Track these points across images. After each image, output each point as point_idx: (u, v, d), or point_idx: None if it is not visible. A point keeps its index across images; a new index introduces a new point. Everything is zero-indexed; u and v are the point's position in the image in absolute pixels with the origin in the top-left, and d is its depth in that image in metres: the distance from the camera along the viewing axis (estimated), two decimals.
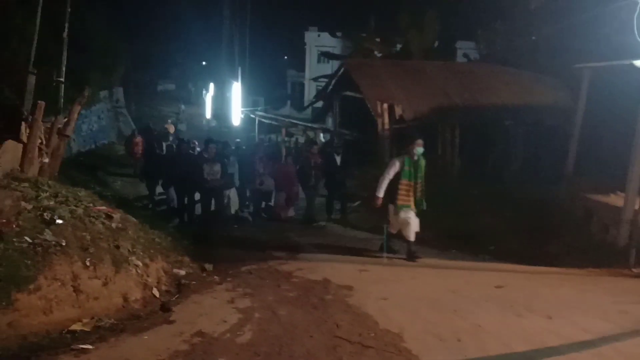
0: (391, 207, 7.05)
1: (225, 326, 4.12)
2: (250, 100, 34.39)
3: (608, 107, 9.54)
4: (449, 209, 9.82)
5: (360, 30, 26.00)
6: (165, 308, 4.61)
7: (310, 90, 39.58)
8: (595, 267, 6.35)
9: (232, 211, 11.00)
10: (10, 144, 6.41)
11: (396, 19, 21.63)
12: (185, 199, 10.22)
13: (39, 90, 7.59)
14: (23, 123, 6.86)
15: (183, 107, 38.86)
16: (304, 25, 42.77)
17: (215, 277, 5.93)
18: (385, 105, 12.28)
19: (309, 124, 21.45)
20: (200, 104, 40.03)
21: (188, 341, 3.82)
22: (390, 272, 6.22)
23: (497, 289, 5.23)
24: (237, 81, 26.93)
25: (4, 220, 4.32)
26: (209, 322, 4.23)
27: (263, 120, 22.94)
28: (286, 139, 21.73)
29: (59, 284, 4.07)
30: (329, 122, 19.13)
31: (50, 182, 6.01)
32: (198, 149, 12.94)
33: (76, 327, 3.95)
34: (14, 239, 4.13)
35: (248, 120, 25.41)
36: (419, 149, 6.94)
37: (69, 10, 9.29)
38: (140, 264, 5.03)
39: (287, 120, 24.07)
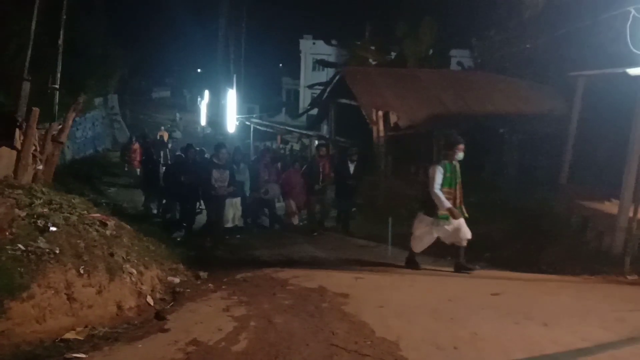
0: (422, 220, 6.52)
1: (221, 334, 4.08)
2: (245, 108, 34.42)
3: (602, 115, 9.62)
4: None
5: (355, 38, 26.11)
6: (160, 316, 4.57)
7: (305, 98, 39.66)
8: (591, 274, 6.35)
9: (237, 220, 10.50)
10: (4, 150, 6.38)
11: (391, 27, 21.75)
12: (188, 208, 9.95)
13: (33, 97, 7.56)
14: (17, 130, 6.83)
15: (179, 115, 38.87)
16: (299, 33, 43.02)
17: (210, 284, 5.90)
18: (381, 113, 12.31)
19: (305, 131, 21.47)
20: (196, 111, 40.04)
21: (183, 350, 3.78)
22: (387, 279, 6.20)
23: (494, 296, 5.22)
24: (233, 88, 26.96)
25: None
26: (204, 330, 4.19)
27: (258, 127, 22.94)
28: (281, 146, 21.74)
29: (53, 292, 4.03)
30: (324, 130, 19.15)
31: (44, 189, 5.97)
32: (207, 155, 12.46)
33: (70, 335, 3.90)
34: (8, 247, 4.09)
35: (243, 128, 25.41)
36: (461, 154, 6.42)
37: (65, 17, 9.30)
38: (134, 271, 4.99)
39: (282, 127, 24.10)
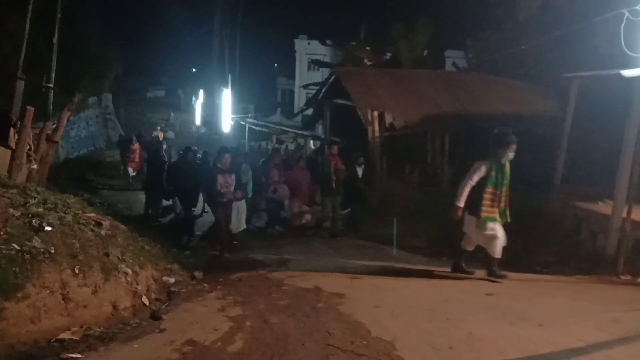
0: (470, 220, 6.03)
1: (217, 335, 4.08)
2: (240, 108, 34.39)
3: (596, 116, 9.66)
4: (439, 217, 9.86)
5: (350, 39, 26.15)
6: (156, 316, 4.57)
7: (300, 98, 39.71)
8: (585, 274, 6.38)
9: (243, 223, 9.62)
10: None
11: (386, 28, 21.80)
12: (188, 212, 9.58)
13: (28, 96, 7.54)
14: (11, 129, 6.80)
15: (172, 114, 38.76)
16: (294, 33, 43.04)
17: (205, 285, 5.90)
18: (376, 113, 12.34)
19: (300, 131, 21.47)
20: (190, 110, 39.91)
21: (179, 350, 3.78)
22: (382, 280, 6.20)
23: (489, 297, 5.24)
24: (227, 88, 26.90)
25: None
26: (200, 330, 4.19)
27: (253, 127, 22.92)
28: (277, 146, 21.72)
29: (48, 292, 4.01)
30: (319, 130, 19.17)
31: (38, 188, 5.95)
32: (199, 155, 12.07)
33: (65, 335, 3.89)
34: (2, 246, 4.07)
35: (238, 127, 25.36)
36: (512, 155, 6.01)
37: (60, 15, 9.26)
38: (129, 271, 4.98)
39: (277, 127, 24.08)
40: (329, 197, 9.86)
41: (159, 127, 23.98)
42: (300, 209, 10.52)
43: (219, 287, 5.75)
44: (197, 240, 9.38)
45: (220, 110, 27.47)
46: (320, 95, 16.19)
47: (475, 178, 5.86)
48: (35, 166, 7.26)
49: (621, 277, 6.08)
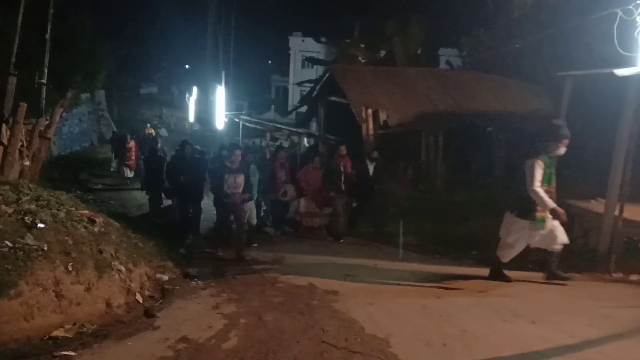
0: (515, 224, 5.63)
1: (211, 332, 4.08)
2: (234, 105, 34.25)
3: (589, 114, 9.72)
4: (432, 214, 9.90)
5: (345, 36, 26.12)
6: (149, 314, 4.56)
7: (294, 95, 39.68)
8: (577, 272, 6.41)
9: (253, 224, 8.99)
10: None
11: (380, 26, 21.78)
12: (190, 210, 9.43)
13: (20, 92, 7.48)
14: (4, 125, 6.75)
15: (164, 111, 38.61)
16: (289, 30, 42.97)
17: (199, 282, 5.89)
18: (370, 111, 12.34)
19: (294, 129, 21.43)
20: (184, 107, 39.75)
21: (173, 347, 3.77)
22: (376, 277, 6.21)
23: (482, 294, 5.27)
24: (221, 85, 26.75)
25: None
26: (194, 327, 4.18)
27: (247, 124, 22.86)
28: (271, 143, 21.68)
29: (41, 289, 4.00)
30: (314, 127, 19.13)
31: (31, 185, 5.91)
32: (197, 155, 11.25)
33: (58, 333, 3.88)
34: None
35: (232, 125, 25.29)
36: (563, 150, 5.62)
37: (52, 12, 9.19)
38: (123, 269, 4.96)
39: (271, 124, 24.03)
40: (336, 199, 9.33)
41: (149, 125, 23.70)
42: (311, 210, 9.91)
43: (213, 284, 5.75)
44: (194, 238, 9.27)
45: (214, 107, 27.34)
46: (315, 92, 16.17)
47: (539, 177, 5.42)
48: (27, 163, 7.22)
49: (613, 274, 6.11)
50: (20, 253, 4.07)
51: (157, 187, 10.29)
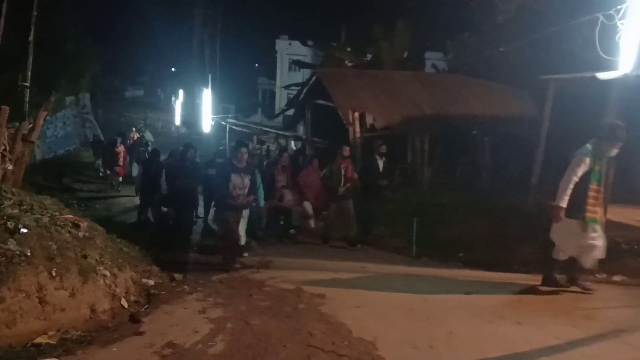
0: (565, 224, 5.20)
1: (197, 337, 4.06)
2: (220, 108, 34.17)
3: (573, 117, 9.85)
4: (419, 217, 9.94)
5: (332, 40, 26.22)
6: (135, 319, 4.51)
7: (281, 98, 39.65)
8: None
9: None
10: None
11: (367, 30, 21.90)
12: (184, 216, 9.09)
13: (3, 95, 7.38)
14: None
15: (149, 114, 38.38)
16: (275, 33, 42.98)
17: (185, 286, 5.84)
18: (357, 114, 12.40)
19: (281, 132, 21.44)
20: (170, 110, 39.55)
21: (159, 353, 3.74)
22: (364, 280, 6.23)
23: (468, 296, 5.30)
24: (208, 88, 26.70)
25: None
26: (180, 332, 4.15)
27: (234, 127, 22.82)
28: (257, 146, 21.67)
29: (24, 295, 3.93)
30: (301, 130, 19.16)
31: (14, 189, 5.82)
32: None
33: (41, 339, 3.82)
34: None
35: (219, 128, 25.24)
36: (615, 152, 5.21)
37: (35, 14, 9.10)
38: (108, 273, 4.90)
39: (258, 127, 24.01)
40: (338, 203, 8.75)
41: (134, 129, 23.37)
42: (308, 212, 9.29)
43: (199, 288, 5.71)
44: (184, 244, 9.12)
45: (200, 110, 27.29)
46: (302, 95, 16.20)
47: (579, 172, 5.08)
48: (10, 167, 7.11)
49: (597, 275, 6.19)
50: (3, 259, 4.00)
51: (154, 193, 9.85)
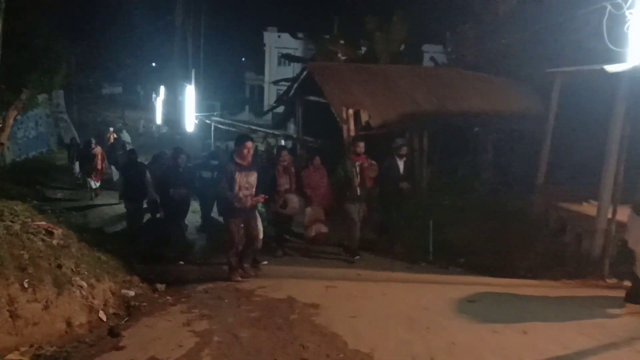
0: None
1: (181, 351, 4.04)
2: (205, 105, 34.07)
3: (580, 113, 9.91)
4: (417, 220, 9.97)
5: (323, 32, 26.22)
6: (114, 333, 4.48)
7: (270, 95, 39.70)
8: (570, 278, 6.53)
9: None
10: None
11: (361, 21, 21.91)
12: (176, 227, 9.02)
13: None
14: None
15: (126, 113, 38.28)
16: (263, 25, 42.95)
17: (169, 297, 5.81)
18: (351, 111, 12.37)
19: (270, 131, 21.42)
20: (150, 108, 39.41)
21: None
22: (359, 288, 6.23)
23: (471, 304, 5.32)
24: (191, 84, 26.62)
25: None
26: (163, 347, 4.13)
27: (220, 126, 22.77)
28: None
29: None
30: (291, 129, 19.15)
31: None
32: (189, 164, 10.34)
33: (13, 356, 3.79)
34: None
35: (203, 127, 25.18)
36: None
37: (4, 6, 9.03)
38: (84, 284, 4.87)
39: (246, 126, 23.97)
40: (352, 204, 8.23)
41: (111, 129, 23.12)
42: (314, 217, 8.74)
43: (183, 299, 5.68)
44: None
45: (183, 108, 27.17)
46: (292, 91, 16.16)
47: None
48: None
49: (607, 280, 6.23)
50: None
51: (138, 198, 9.73)
